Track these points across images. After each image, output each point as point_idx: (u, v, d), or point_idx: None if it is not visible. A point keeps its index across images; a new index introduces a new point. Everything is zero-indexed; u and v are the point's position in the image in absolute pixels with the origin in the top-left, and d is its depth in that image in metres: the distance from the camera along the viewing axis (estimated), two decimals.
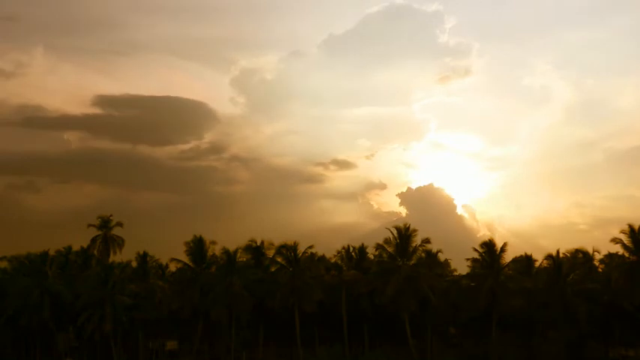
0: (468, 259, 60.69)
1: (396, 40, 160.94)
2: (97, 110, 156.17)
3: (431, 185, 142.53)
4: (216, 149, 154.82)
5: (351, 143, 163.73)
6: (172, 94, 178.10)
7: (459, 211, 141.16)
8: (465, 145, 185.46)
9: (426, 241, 58.16)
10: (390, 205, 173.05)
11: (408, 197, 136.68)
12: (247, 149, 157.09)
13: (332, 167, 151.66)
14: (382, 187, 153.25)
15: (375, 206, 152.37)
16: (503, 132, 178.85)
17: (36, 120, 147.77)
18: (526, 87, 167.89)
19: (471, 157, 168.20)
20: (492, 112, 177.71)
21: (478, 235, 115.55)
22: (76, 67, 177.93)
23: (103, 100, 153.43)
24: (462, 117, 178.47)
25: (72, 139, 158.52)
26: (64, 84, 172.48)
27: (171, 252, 64.08)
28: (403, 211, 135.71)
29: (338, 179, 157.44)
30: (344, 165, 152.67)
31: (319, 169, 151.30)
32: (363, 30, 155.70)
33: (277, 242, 62.32)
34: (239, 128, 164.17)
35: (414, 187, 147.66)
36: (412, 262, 57.95)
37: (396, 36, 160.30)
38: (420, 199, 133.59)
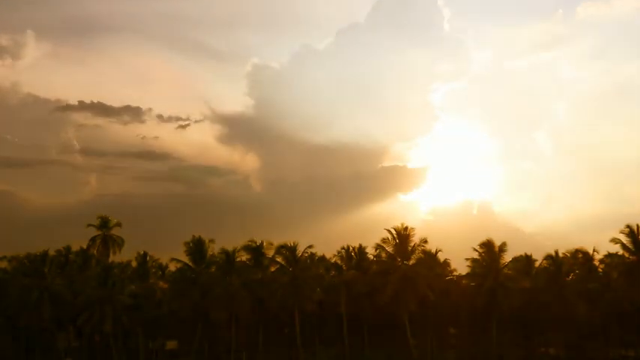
0: (467, 259, 60.55)
1: (406, 29, 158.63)
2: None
3: (451, 179, 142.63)
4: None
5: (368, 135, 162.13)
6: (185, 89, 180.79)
7: (479, 207, 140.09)
8: (485, 136, 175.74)
9: (425, 241, 58.17)
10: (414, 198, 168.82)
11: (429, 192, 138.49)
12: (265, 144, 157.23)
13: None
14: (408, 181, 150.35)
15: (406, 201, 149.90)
16: (528, 121, 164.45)
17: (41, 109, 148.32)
18: (552, 72, 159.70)
19: (493, 149, 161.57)
20: (515, 100, 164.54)
21: (497, 234, 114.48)
22: (72, 55, 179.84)
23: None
24: (481, 106, 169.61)
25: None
26: (61, 71, 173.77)
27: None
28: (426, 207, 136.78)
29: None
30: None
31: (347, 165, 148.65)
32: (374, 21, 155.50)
33: (277, 242, 62.45)
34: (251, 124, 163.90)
35: (432, 181, 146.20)
36: (411, 262, 57.89)
37: (405, 26, 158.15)
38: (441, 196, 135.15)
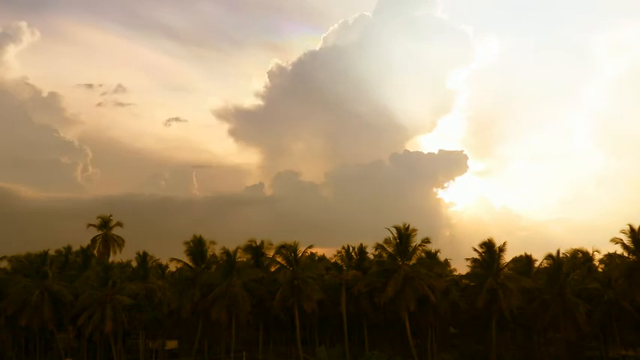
0: (467, 259, 60.54)
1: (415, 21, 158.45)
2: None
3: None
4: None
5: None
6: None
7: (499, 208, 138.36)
8: (504, 129, 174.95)
9: (426, 241, 57.98)
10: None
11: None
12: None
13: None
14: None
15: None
16: (550, 116, 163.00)
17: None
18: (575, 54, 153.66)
19: (513, 144, 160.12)
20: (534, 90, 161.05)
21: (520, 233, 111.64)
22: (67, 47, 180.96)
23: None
24: (499, 97, 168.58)
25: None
26: (56, 62, 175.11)
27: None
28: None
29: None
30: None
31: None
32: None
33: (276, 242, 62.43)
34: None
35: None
36: (412, 261, 57.75)
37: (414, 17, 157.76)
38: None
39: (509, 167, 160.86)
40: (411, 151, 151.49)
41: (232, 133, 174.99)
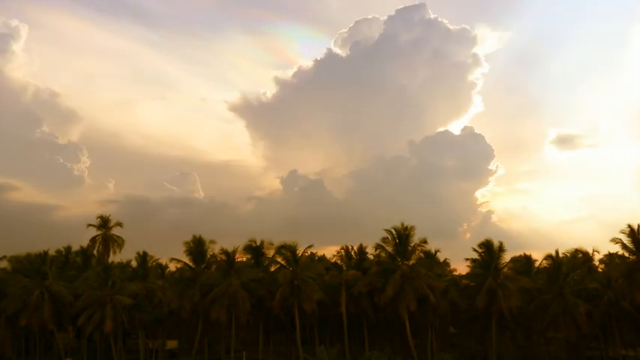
0: (467, 259, 60.58)
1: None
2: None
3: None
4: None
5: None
6: None
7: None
8: (529, 122, 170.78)
9: (425, 241, 58.02)
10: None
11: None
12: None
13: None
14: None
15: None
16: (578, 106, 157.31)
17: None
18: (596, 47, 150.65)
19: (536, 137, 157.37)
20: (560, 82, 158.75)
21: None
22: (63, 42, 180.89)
23: None
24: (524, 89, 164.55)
25: None
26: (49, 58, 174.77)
27: None
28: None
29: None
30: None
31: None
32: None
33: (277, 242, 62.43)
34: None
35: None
36: (411, 261, 57.75)
37: None
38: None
39: (535, 161, 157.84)
40: (430, 146, 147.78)
41: (238, 129, 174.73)
